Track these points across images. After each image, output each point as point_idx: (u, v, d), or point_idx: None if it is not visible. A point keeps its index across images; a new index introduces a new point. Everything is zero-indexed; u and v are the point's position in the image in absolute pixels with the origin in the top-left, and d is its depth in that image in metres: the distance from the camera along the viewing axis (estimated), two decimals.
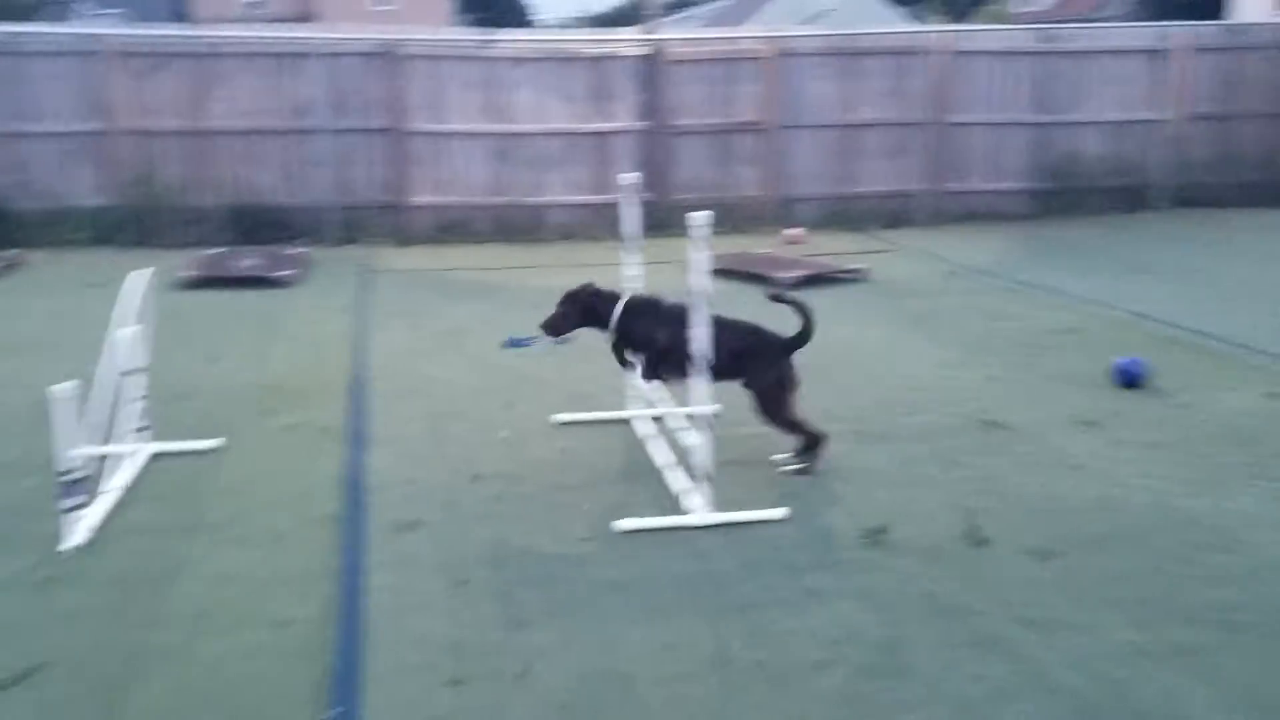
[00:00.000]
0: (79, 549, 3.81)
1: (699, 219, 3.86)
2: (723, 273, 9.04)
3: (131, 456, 4.60)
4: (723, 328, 4.20)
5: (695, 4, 43.77)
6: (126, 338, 4.52)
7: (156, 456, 4.73)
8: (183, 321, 7.36)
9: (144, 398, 4.71)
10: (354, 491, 4.36)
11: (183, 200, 10.94)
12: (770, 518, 3.99)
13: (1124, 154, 12.43)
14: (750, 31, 12.62)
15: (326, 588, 3.52)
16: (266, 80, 11.05)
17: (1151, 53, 12.41)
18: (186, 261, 9.35)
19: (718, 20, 45.86)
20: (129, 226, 10.75)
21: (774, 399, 4.44)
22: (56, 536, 3.84)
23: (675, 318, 4.32)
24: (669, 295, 4.65)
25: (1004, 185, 12.36)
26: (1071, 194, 12.30)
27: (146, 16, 49.45)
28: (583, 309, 4.71)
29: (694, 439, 4.07)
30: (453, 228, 11.40)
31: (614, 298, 4.66)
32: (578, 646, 3.14)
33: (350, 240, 11.07)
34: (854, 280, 8.91)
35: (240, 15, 37.81)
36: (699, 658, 3.06)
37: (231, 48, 11.06)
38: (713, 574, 3.59)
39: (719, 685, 2.93)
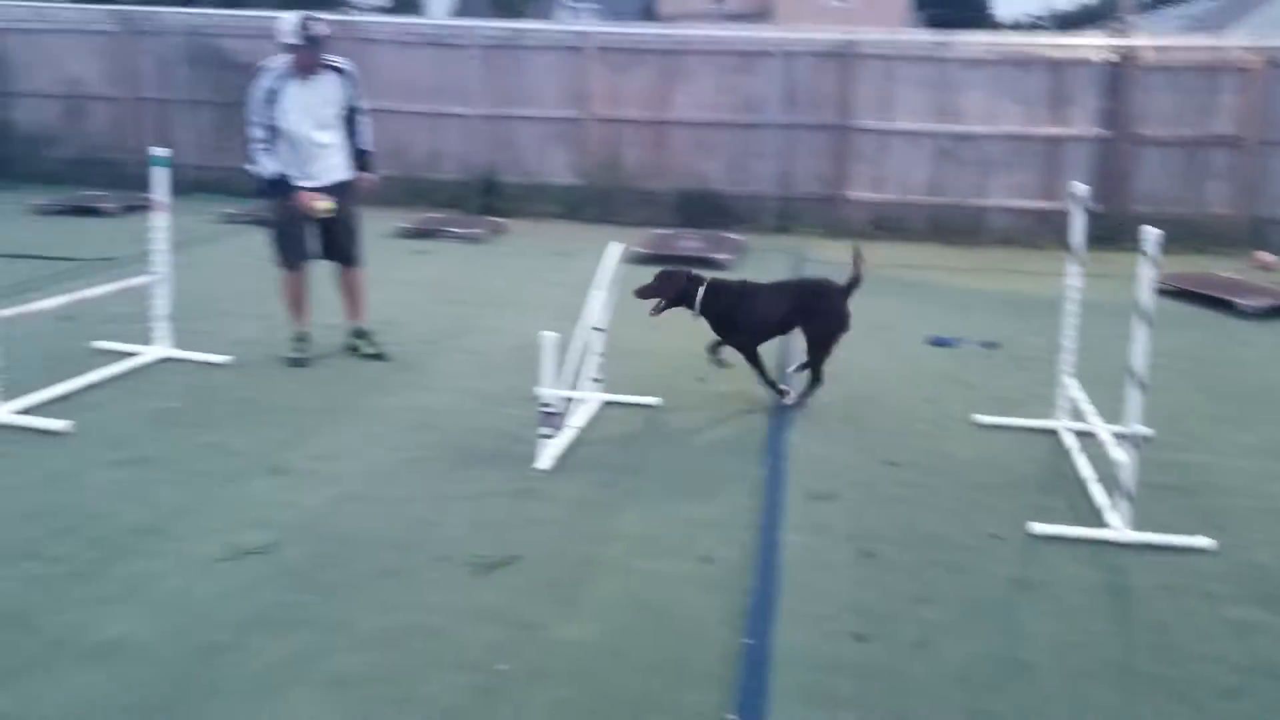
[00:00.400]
0: (546, 471, 4.50)
1: (1151, 235, 3.79)
2: (1178, 293, 8.50)
3: (588, 402, 5.31)
4: (781, 291, 5.53)
5: (1173, 3, 40.15)
6: (598, 299, 5.21)
7: (607, 405, 5.41)
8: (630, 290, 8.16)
9: (602, 354, 5.40)
10: (775, 459, 4.75)
11: (640, 183, 12.02)
12: (1195, 545, 3.85)
13: None
14: (1237, 40, 11.53)
15: (745, 536, 3.92)
16: (725, 76, 11.83)
17: None
18: (639, 239, 10.30)
19: (1197, 24, 41.71)
20: (594, 203, 11.99)
21: (826, 340, 5.42)
22: (529, 458, 4.57)
23: (748, 295, 5.47)
24: (747, 279, 5.58)
25: None
26: None
27: (617, 13, 53.77)
28: (675, 289, 5.49)
29: (1120, 455, 4.01)
30: (886, 224, 11.56)
31: (701, 281, 5.50)
32: (979, 630, 3.28)
33: (784, 230, 11.60)
34: None
35: (703, 12, 40.03)
36: (1102, 661, 3.10)
37: (698, 45, 11.95)
38: (1125, 589, 3.57)
39: (1120, 690, 2.96)
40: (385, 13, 13.19)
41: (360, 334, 6.29)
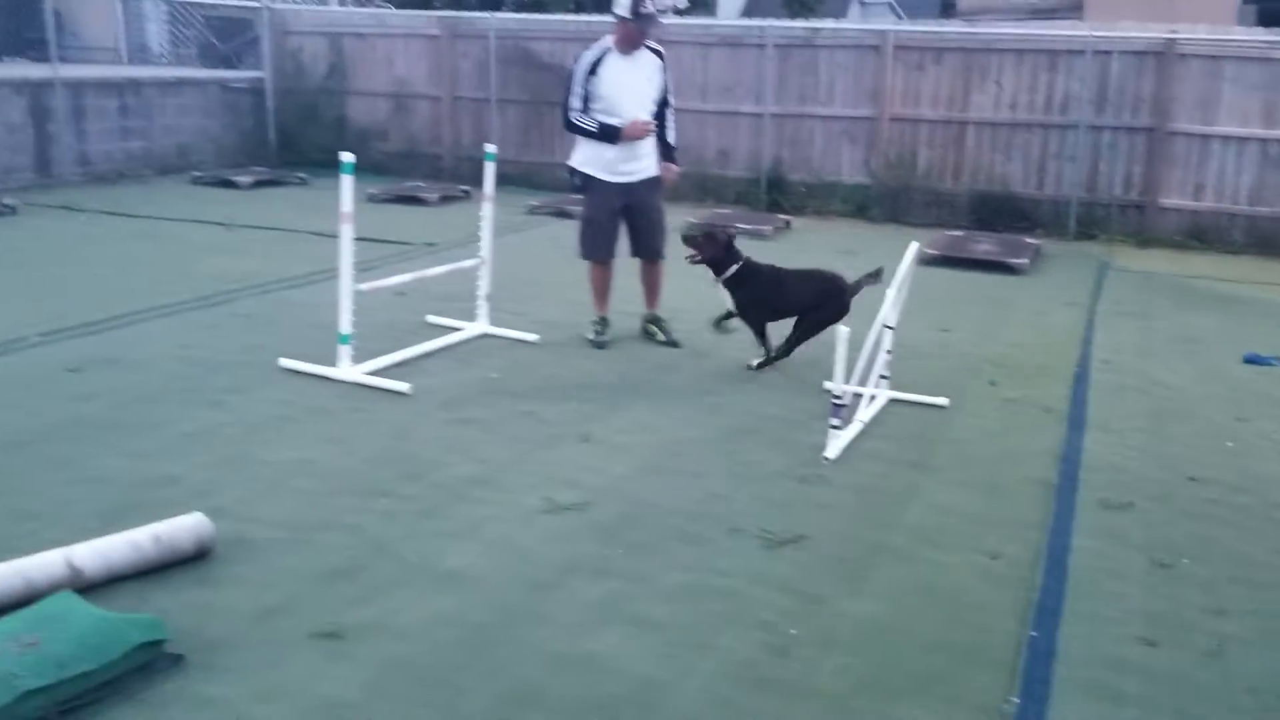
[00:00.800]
0: (832, 460, 4.70)
1: None
2: None
3: (876, 398, 5.45)
4: (806, 281, 6.04)
5: None
6: (891, 297, 5.34)
7: (892, 402, 5.52)
8: (921, 292, 8.16)
9: (889, 352, 5.52)
10: (1068, 465, 4.72)
11: (932, 184, 11.89)
12: None
13: None
14: None
15: (1034, 536, 3.97)
16: (1030, 75, 11.49)
17: None
18: (929, 240, 10.24)
19: None
20: (882, 203, 11.98)
21: (819, 328, 5.83)
22: (815, 447, 4.78)
23: (776, 280, 6.01)
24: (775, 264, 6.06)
25: None
26: None
27: (913, 8, 52.51)
28: (713, 248, 5.99)
29: None
30: (1201, 234, 10.86)
31: (738, 259, 5.98)
32: (1276, 646, 3.21)
33: (1088, 236, 11.13)
34: None
35: (1006, 6, 38.46)
36: None
37: (1003, 43, 11.66)
38: None
39: None
40: (680, 14, 13.68)
41: (656, 321, 6.70)
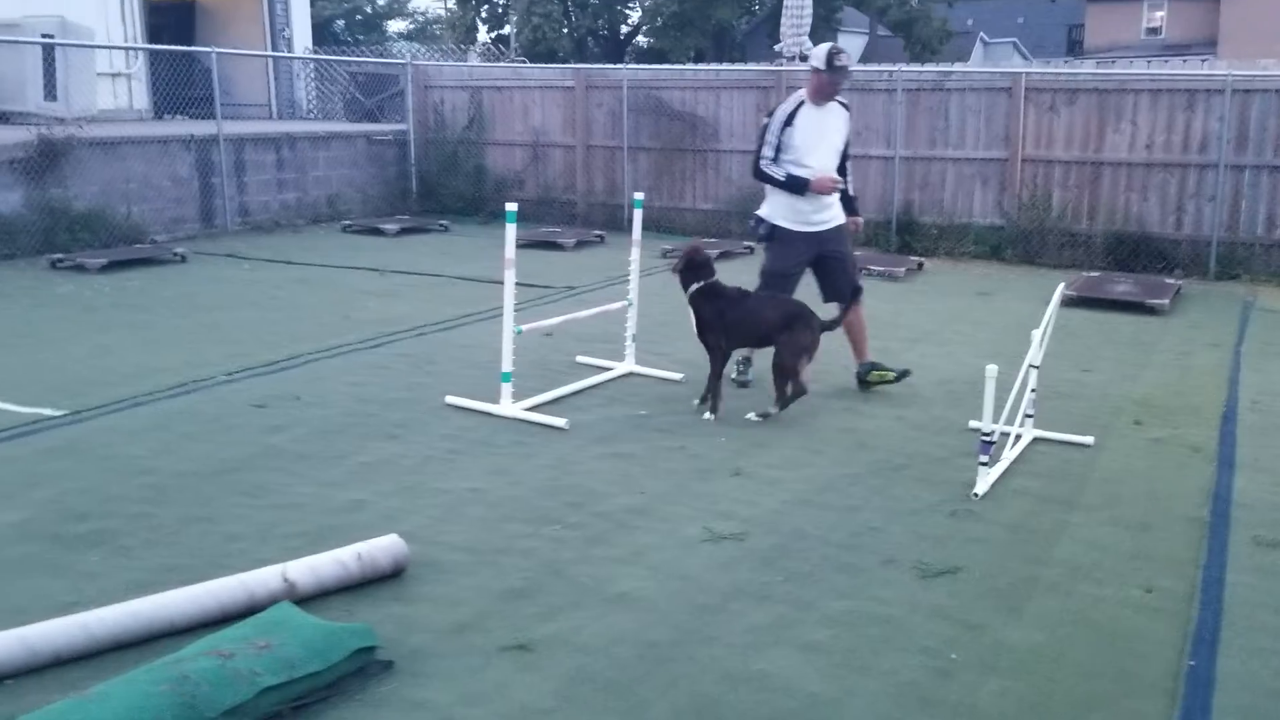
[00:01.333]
0: (981, 496, 4.82)
1: None
2: None
3: (1020, 437, 5.55)
4: (771, 305, 6.10)
5: None
6: (1037, 337, 5.45)
7: (1037, 441, 5.60)
8: (1061, 333, 8.20)
9: (1034, 390, 5.61)
10: (1220, 503, 4.75)
11: (1067, 225, 11.82)
12: None
13: None
14: None
15: (1188, 571, 4.04)
16: (1167, 114, 11.38)
17: None
18: (1068, 281, 10.19)
19: None
20: (1016, 244, 11.95)
21: (793, 359, 5.90)
22: (963, 483, 4.92)
23: (733, 300, 6.06)
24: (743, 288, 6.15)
25: None
26: None
27: (1038, 45, 51.80)
28: (685, 267, 6.11)
29: None
30: None
31: (706, 277, 6.08)
32: None
33: (1230, 276, 10.92)
34: None
35: (1137, 42, 37.72)
36: None
37: (1138, 84, 11.59)
38: None
39: None
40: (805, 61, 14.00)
41: (876, 366, 6.61)
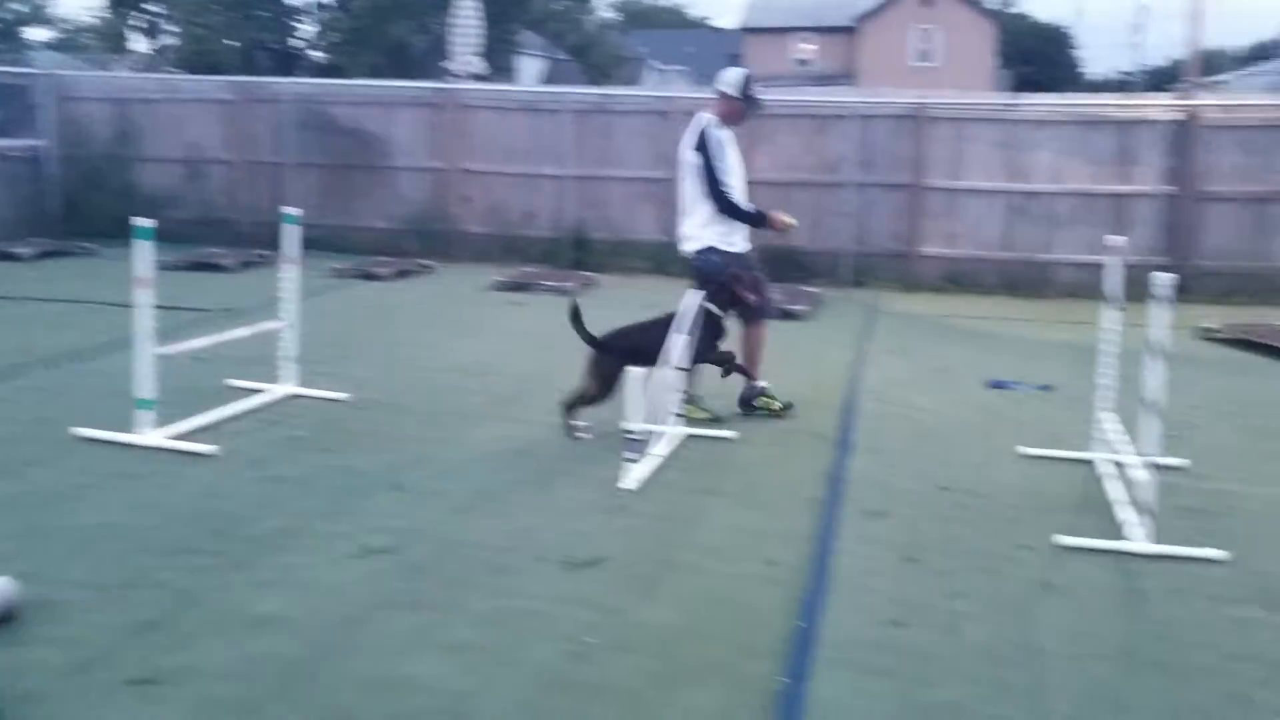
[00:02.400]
0: (630, 491, 5.08)
1: (1162, 280, 4.28)
2: (1236, 342, 8.82)
3: (670, 434, 5.89)
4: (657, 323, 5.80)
5: (1265, 60, 39.85)
6: (678, 343, 5.81)
7: (688, 438, 5.98)
8: None
9: (682, 392, 5.98)
10: (835, 483, 5.27)
11: None
12: (1209, 556, 4.28)
13: None
14: None
15: (805, 545, 4.45)
16: (804, 137, 12.47)
17: None
18: None
19: None
20: (680, 259, 12.55)
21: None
22: (615, 479, 5.16)
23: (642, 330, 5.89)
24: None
25: None
26: None
27: (706, 73, 55.01)
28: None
29: (1142, 477, 4.45)
30: (959, 278, 12.00)
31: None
32: (1003, 619, 3.77)
33: (860, 284, 12.11)
34: None
35: (789, 74, 40.93)
36: (1107, 647, 3.56)
37: (779, 109, 12.58)
38: (1137, 590, 4.02)
39: (1120, 669, 3.42)
40: (481, 80, 14.15)
41: (763, 393, 6.50)
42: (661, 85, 38.67)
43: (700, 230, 6.36)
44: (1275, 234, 11.31)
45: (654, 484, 5.20)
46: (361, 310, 10.03)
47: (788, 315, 10.02)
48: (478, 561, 4.24)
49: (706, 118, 6.28)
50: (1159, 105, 11.66)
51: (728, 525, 4.71)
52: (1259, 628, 3.71)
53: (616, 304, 10.44)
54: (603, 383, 5.90)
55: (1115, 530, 4.58)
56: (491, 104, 13.42)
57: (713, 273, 6.27)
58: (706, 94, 13.32)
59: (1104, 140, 11.68)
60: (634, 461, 5.18)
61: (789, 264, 12.31)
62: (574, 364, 7.74)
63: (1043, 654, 3.53)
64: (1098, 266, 11.46)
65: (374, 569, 4.15)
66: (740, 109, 6.26)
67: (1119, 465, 5.31)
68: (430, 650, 3.51)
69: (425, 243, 13.26)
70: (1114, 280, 5.46)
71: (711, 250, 6.31)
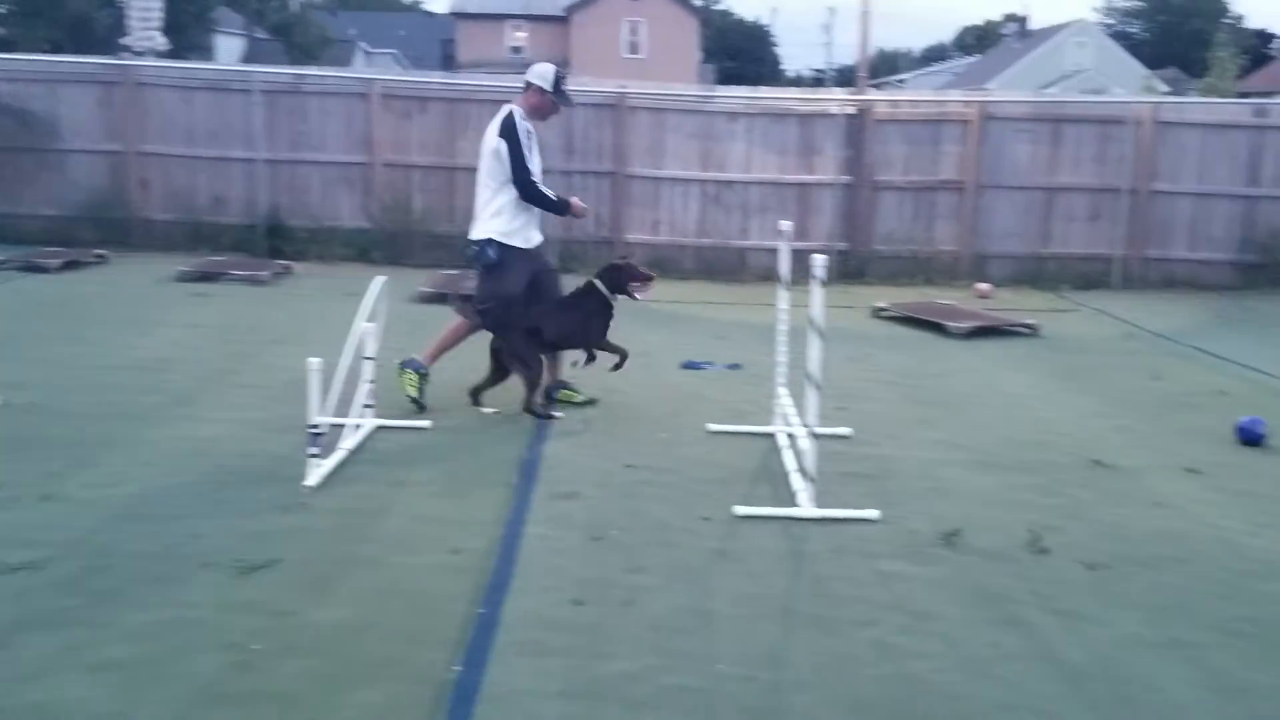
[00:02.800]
0: (315, 488, 4.87)
1: (819, 262, 4.57)
2: (902, 319, 9.60)
3: (360, 427, 5.70)
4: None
5: (942, 60, 43.88)
6: (364, 330, 5.63)
7: (380, 429, 5.81)
8: (416, 327, 8.61)
9: (372, 382, 5.80)
10: (529, 468, 5.28)
11: (430, 227, 12.44)
12: (865, 517, 4.63)
13: None
14: (956, 95, 13.03)
15: (493, 531, 4.42)
16: None
17: None
18: (427, 279, 10.73)
19: (961, 79, 45.61)
20: (383, 246, 12.31)
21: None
22: (300, 478, 4.93)
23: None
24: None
25: (1208, 255, 12.29)
26: (1278, 268, 12.06)
27: (417, 58, 53.82)
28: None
29: (807, 446, 4.75)
30: (661, 264, 12.31)
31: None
32: (677, 589, 3.90)
33: (568, 270, 12.21)
34: (1025, 335, 9.24)
35: (501, 60, 40.81)
36: (771, 607, 3.77)
37: (482, 95, 12.52)
38: (802, 553, 4.28)
39: (779, 627, 3.63)
40: (165, 57, 13.20)
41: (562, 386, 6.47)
42: (369, 68, 37.52)
43: (487, 221, 6.23)
44: (936, 220, 12.41)
45: (339, 479, 5.02)
46: (22, 305, 9.10)
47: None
48: (135, 572, 3.93)
49: (513, 108, 6.19)
50: (836, 100, 12.49)
51: (415, 516, 4.61)
52: (903, 580, 4.04)
53: (313, 294, 10.08)
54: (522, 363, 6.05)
55: (789, 498, 4.86)
56: (173, 83, 12.50)
57: (485, 265, 6.21)
58: (414, 77, 13.11)
59: (789, 132, 12.38)
60: (318, 457, 4.97)
61: None
62: (262, 356, 7.41)
63: (714, 619, 3.67)
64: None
65: (14, 587, 3.75)
66: (549, 103, 6.25)
67: (791, 437, 5.65)
68: (74, 672, 3.21)
69: (103, 231, 12.21)
70: (784, 263, 5.79)
71: (489, 243, 6.19)
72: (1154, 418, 6.54)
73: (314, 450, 4.95)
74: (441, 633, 3.53)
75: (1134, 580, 4.07)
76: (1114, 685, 3.28)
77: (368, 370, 5.75)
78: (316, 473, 4.94)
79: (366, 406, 5.79)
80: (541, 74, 6.19)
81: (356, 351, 5.46)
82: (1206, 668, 3.41)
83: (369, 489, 4.92)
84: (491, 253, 6.17)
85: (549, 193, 6.27)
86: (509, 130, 6.09)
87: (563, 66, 6.35)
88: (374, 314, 5.69)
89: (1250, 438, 5.86)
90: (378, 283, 5.70)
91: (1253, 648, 3.55)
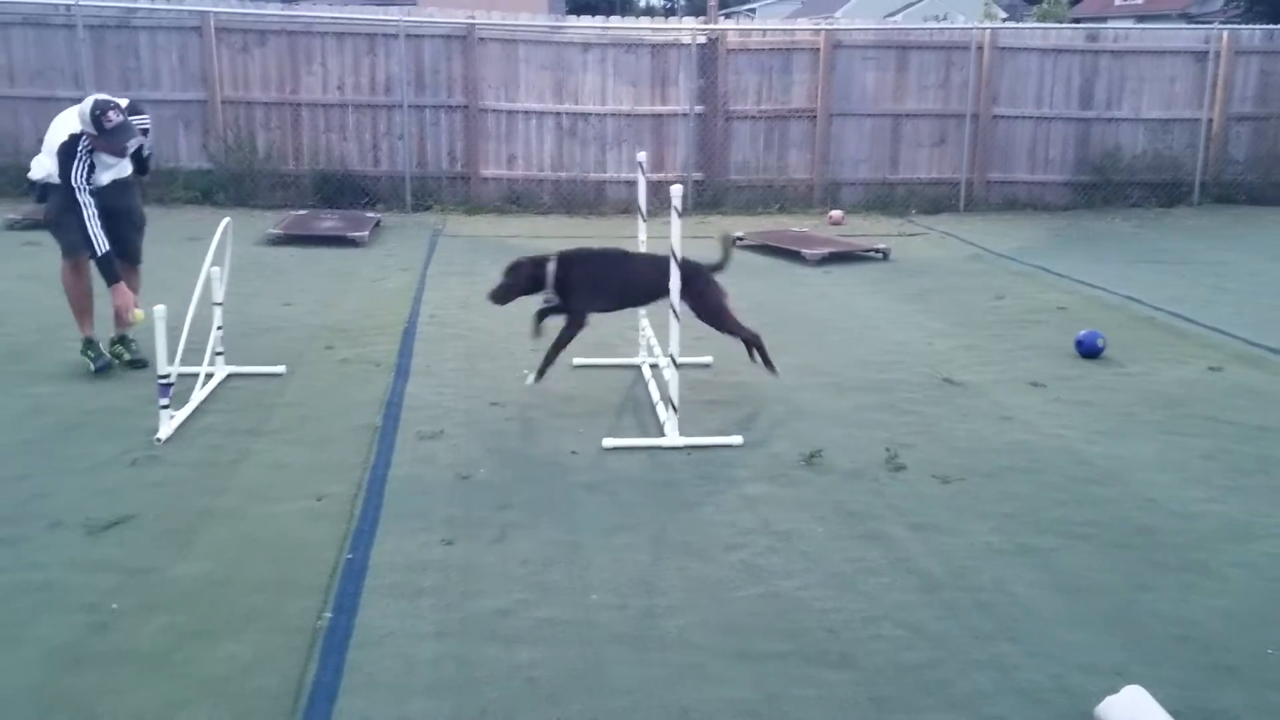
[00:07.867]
0: (166, 440, 4.69)
1: (675, 191, 4.59)
2: (760, 248, 9.76)
3: (211, 374, 5.51)
4: (650, 264, 5.34)
5: None
6: (212, 275, 5.41)
7: (231, 377, 5.62)
8: (267, 271, 8.37)
9: (220, 328, 5.59)
10: (391, 409, 5.20)
11: (275, 166, 11.96)
12: (729, 443, 4.73)
13: (1165, 151, 12.78)
14: (804, 24, 13.14)
15: (359, 475, 4.36)
16: (353, 57, 12.01)
17: (1196, 54, 12.75)
18: (276, 220, 10.35)
19: (808, 8, 46.04)
20: (228, 187, 11.79)
21: (713, 309, 5.37)
22: (148, 430, 4.74)
23: (606, 263, 5.54)
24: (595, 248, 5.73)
25: (1046, 177, 12.85)
26: (1111, 187, 12.73)
27: None
28: (526, 278, 5.47)
29: (668, 376, 4.81)
30: (518, 199, 12.23)
31: (545, 260, 5.43)
32: (546, 524, 3.93)
33: (424, 207, 11.98)
34: (876, 259, 9.53)
35: None
36: (640, 536, 3.83)
37: (324, 26, 12.02)
38: (670, 481, 4.35)
39: (650, 555, 3.70)
40: None
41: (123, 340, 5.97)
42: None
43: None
44: (788, 149, 12.59)
45: (191, 430, 4.85)
46: None
47: (348, 242, 9.73)
48: None
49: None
50: (688, 30, 12.43)
51: (273, 464, 4.49)
52: (768, 503, 4.15)
53: (154, 238, 9.57)
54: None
55: (655, 428, 4.92)
56: None
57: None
58: (251, 9, 12.43)
59: (642, 63, 12.31)
60: (168, 409, 4.79)
61: (349, 189, 11.94)
62: (102, 307, 7.02)
63: (584, 551, 3.71)
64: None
65: None
66: (104, 146, 5.39)
67: (654, 367, 5.71)
68: None
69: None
70: (642, 195, 5.79)
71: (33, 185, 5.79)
72: (999, 335, 6.85)
73: (165, 402, 4.77)
74: (309, 580, 3.48)
75: (984, 491, 4.29)
76: (969, 592, 3.47)
77: (216, 316, 5.54)
78: (167, 425, 4.76)
79: (218, 354, 5.59)
80: (82, 115, 5.33)
81: (204, 297, 5.25)
82: (1053, 570, 3.63)
83: (222, 439, 4.77)
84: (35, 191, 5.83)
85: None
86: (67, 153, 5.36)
87: (108, 97, 5.43)
88: (220, 258, 5.47)
89: (1089, 350, 6.21)
90: (224, 225, 5.47)
91: (1094, 549, 3.79)
